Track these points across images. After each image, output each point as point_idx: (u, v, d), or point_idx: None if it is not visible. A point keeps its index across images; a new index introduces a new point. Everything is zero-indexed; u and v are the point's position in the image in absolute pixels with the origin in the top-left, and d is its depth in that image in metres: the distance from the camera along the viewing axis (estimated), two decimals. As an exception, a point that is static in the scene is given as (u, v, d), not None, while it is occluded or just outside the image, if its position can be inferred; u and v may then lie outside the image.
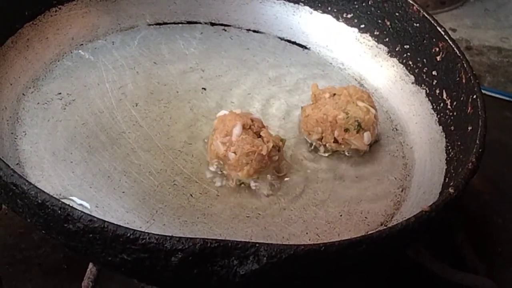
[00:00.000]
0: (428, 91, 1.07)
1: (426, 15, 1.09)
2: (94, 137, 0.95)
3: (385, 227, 0.88)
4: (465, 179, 0.85)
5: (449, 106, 1.02)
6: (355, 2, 1.17)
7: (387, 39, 1.15)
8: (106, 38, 1.12)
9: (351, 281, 0.85)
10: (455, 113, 1.00)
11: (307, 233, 0.88)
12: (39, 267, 0.92)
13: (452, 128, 1.00)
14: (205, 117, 1.01)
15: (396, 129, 1.07)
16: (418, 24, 1.10)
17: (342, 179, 0.97)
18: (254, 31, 1.20)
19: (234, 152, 0.90)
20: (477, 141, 0.89)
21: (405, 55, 1.12)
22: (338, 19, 1.19)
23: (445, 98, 1.03)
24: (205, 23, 1.20)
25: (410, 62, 1.11)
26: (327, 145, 0.99)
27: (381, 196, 0.96)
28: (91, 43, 1.10)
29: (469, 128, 0.94)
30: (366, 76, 1.15)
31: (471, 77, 0.99)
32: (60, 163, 0.90)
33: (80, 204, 0.85)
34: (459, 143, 0.96)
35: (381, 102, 1.11)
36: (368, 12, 1.16)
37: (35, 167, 0.89)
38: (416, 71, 1.10)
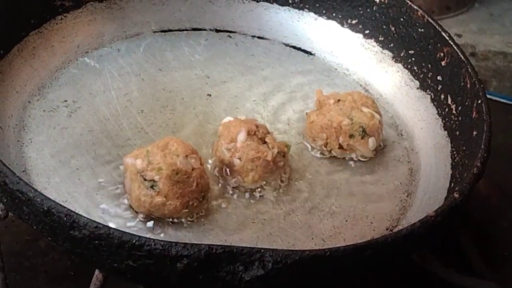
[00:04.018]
0: (433, 96, 1.07)
1: (430, 20, 1.09)
2: (99, 144, 0.95)
3: (390, 232, 0.88)
4: (470, 184, 0.85)
5: (454, 111, 1.02)
6: (360, 8, 1.17)
7: (391, 45, 1.15)
8: (112, 45, 1.12)
9: (357, 286, 0.85)
10: (460, 118, 1.00)
11: (312, 239, 0.89)
12: (46, 274, 0.92)
13: (457, 133, 1.00)
14: (210, 123, 1.01)
15: (401, 135, 1.07)
16: (422, 30, 1.10)
17: (347, 184, 0.97)
18: (259, 37, 1.20)
19: (239, 158, 0.90)
20: (482, 146, 0.89)
21: (410, 60, 1.12)
22: (342, 25, 1.19)
23: (450, 103, 1.03)
24: (210, 29, 1.20)
25: (415, 68, 1.11)
26: (332, 151, 0.99)
27: (387, 201, 0.96)
28: (96, 50, 1.10)
29: (474, 133, 0.94)
30: (371, 82, 1.15)
31: (476, 82, 0.99)
32: (66, 170, 0.91)
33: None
34: (464, 148, 0.96)
35: (386, 107, 1.11)
36: (373, 18, 1.16)
37: (41, 174, 0.89)
38: (421, 76, 1.10)
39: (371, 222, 0.93)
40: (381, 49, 1.16)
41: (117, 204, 0.87)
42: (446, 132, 1.02)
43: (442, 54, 1.07)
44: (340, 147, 0.99)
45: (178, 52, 1.14)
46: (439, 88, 1.07)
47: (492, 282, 0.89)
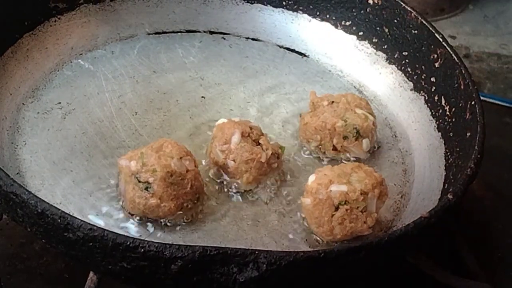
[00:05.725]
0: (427, 98, 1.08)
1: (424, 22, 1.09)
2: (94, 146, 0.95)
3: (384, 233, 0.88)
4: (464, 185, 0.85)
5: (448, 113, 1.02)
6: (354, 10, 1.17)
7: (385, 46, 1.15)
8: (106, 47, 1.12)
9: (352, 287, 0.85)
10: (454, 119, 1.01)
11: (307, 240, 0.89)
12: (40, 277, 0.92)
13: (451, 134, 1.00)
14: (204, 125, 1.02)
15: (396, 136, 1.07)
16: (416, 31, 1.10)
17: (341, 186, 0.97)
18: (253, 39, 1.20)
19: (233, 160, 0.90)
20: (476, 147, 0.89)
21: (403, 62, 1.12)
22: (336, 27, 1.19)
23: (443, 105, 1.04)
24: (204, 31, 1.20)
25: (409, 69, 1.11)
26: (326, 152, 0.99)
27: (381, 203, 0.96)
28: (90, 52, 1.10)
29: (468, 134, 0.94)
30: (365, 83, 1.15)
31: (469, 83, 0.99)
32: (60, 172, 0.91)
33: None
34: (458, 149, 0.96)
35: (380, 109, 1.11)
36: (367, 20, 1.16)
37: (35, 177, 0.89)
38: (415, 77, 1.10)
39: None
40: (375, 50, 1.16)
41: (111, 206, 0.87)
42: (440, 133, 1.02)
43: (436, 56, 1.07)
44: (334, 148, 0.99)
45: (172, 54, 1.14)
46: (433, 90, 1.07)
47: (487, 284, 0.89)
